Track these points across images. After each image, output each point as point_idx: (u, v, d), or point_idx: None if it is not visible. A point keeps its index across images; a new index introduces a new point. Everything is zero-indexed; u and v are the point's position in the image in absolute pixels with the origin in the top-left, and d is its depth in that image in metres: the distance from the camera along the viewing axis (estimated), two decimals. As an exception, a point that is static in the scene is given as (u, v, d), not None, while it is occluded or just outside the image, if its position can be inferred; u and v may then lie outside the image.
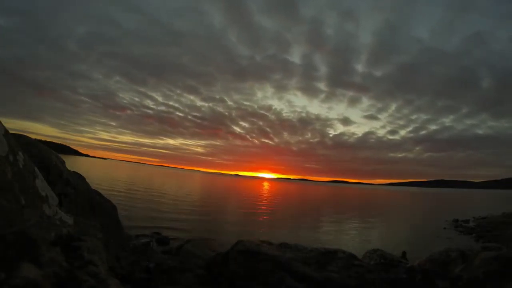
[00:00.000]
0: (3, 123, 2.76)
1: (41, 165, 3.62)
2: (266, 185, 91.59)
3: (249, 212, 23.17)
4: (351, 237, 15.39)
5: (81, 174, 7.09)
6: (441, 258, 2.99)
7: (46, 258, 0.58)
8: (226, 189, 50.11)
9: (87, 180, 6.95)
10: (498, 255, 2.22)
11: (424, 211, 34.09)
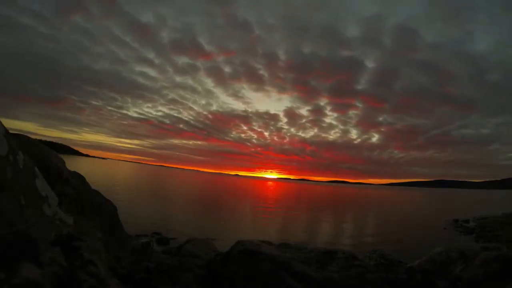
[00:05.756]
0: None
1: (41, 165, 3.62)
2: (265, 185, 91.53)
3: (249, 212, 23.18)
4: (351, 237, 15.39)
5: (81, 174, 7.10)
6: (441, 258, 3.00)
7: (46, 258, 0.58)
8: (225, 189, 50.09)
9: (87, 180, 6.97)
10: (498, 255, 2.22)
11: (424, 211, 34.09)
